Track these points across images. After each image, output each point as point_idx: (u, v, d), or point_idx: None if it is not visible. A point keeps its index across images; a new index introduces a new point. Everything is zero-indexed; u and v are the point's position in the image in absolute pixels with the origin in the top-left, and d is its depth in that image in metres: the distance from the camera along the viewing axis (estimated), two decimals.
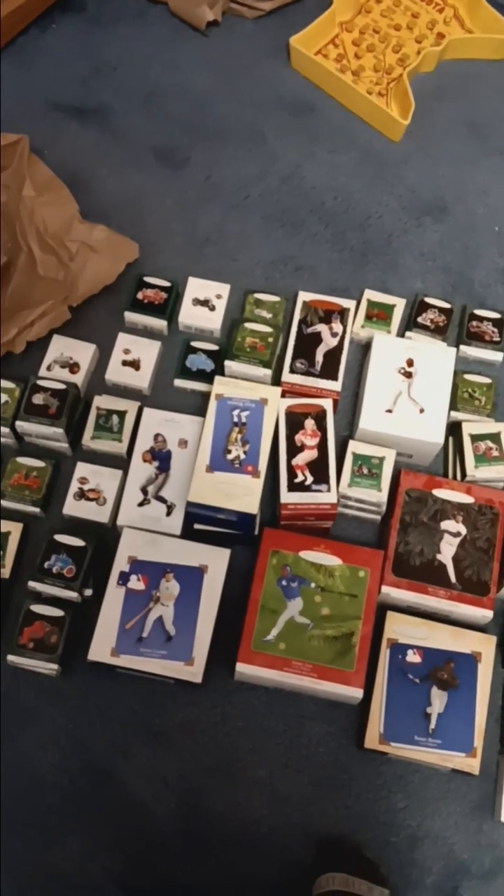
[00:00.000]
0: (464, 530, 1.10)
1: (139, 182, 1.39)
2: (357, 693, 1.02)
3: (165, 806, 1.04)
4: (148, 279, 1.26)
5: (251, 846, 1.03)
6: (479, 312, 1.27)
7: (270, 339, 1.19)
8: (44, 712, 1.07)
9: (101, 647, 1.03)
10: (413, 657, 1.06)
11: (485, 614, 1.07)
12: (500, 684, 1.09)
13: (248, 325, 1.20)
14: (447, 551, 1.09)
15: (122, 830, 1.03)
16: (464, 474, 1.15)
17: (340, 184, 1.41)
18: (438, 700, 1.04)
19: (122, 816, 1.03)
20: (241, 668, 1.02)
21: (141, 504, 1.11)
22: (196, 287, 1.27)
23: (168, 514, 1.11)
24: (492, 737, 1.06)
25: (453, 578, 1.08)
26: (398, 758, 1.04)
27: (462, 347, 1.25)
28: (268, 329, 1.20)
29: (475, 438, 1.15)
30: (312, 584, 1.06)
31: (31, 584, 1.07)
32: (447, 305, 1.27)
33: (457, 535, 1.10)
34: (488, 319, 1.26)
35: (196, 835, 1.03)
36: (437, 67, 1.50)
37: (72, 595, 1.07)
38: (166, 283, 1.26)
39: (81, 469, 1.15)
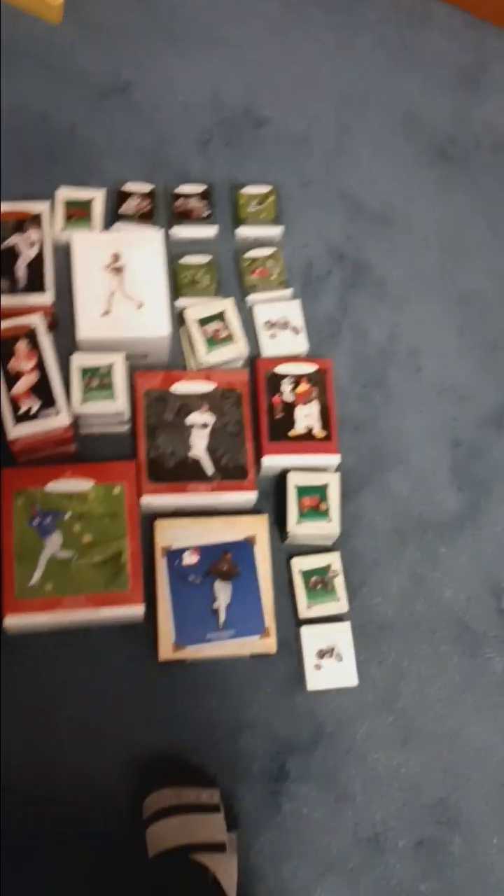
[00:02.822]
0: (211, 419, 1.06)
1: None
2: (138, 610, 0.98)
3: None
4: None
5: (73, 793, 0.97)
6: (183, 189, 1.20)
7: None
8: None
9: None
10: (190, 558, 1.03)
11: (248, 497, 1.05)
12: (283, 560, 1.08)
13: None
14: (199, 444, 1.05)
15: None
16: (199, 362, 1.10)
17: (7, 85, 1.27)
18: (223, 592, 1.02)
19: None
20: (9, 620, 0.95)
21: None
22: None
23: None
24: (286, 613, 1.06)
25: (210, 470, 1.04)
26: (197, 660, 1.01)
27: (173, 229, 1.18)
28: None
29: (202, 322, 1.10)
30: (67, 515, 0.99)
31: None
32: (148, 188, 1.19)
33: (205, 426, 1.06)
34: (194, 195, 1.20)
35: (16, 791, 0.96)
36: None
37: None
38: None
39: None
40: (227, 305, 1.11)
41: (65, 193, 1.18)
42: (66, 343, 1.10)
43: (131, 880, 0.94)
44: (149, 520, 1.04)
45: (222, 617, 1.01)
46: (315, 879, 0.99)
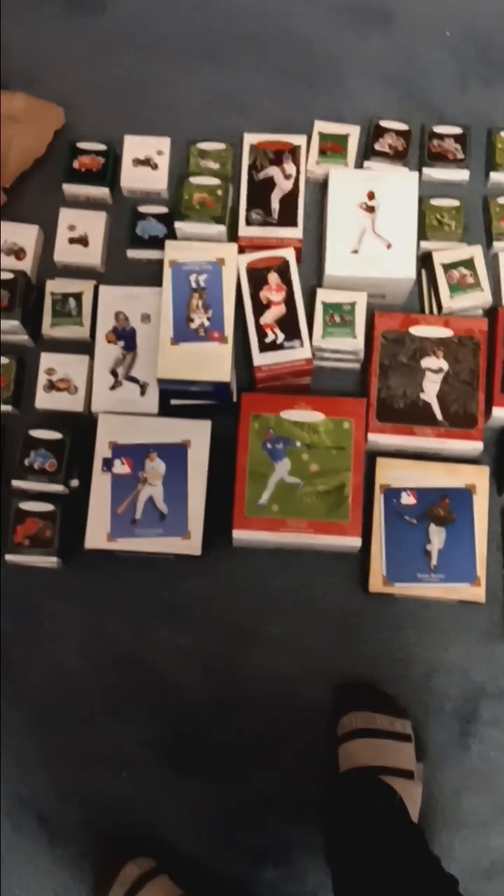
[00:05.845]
0: (445, 365, 1.06)
1: (52, 36, 1.26)
2: (355, 542, 1.02)
3: (188, 674, 1.06)
4: (81, 145, 1.17)
5: (275, 700, 1.06)
6: (440, 129, 1.18)
7: (220, 192, 1.12)
8: (53, 605, 1.08)
9: (97, 534, 1.03)
10: (407, 499, 1.06)
11: (475, 446, 1.05)
12: (499, 512, 1.08)
13: (194, 180, 1.12)
14: (431, 389, 1.06)
15: (149, 703, 1.06)
16: (440, 307, 1.10)
17: (270, 3, 1.28)
18: (437, 536, 1.04)
19: (148, 690, 1.06)
20: (237, 534, 1.02)
21: (113, 387, 1.08)
22: (134, 145, 1.18)
23: (142, 393, 1.08)
24: (496, 565, 1.07)
25: (440, 415, 1.06)
26: (404, 597, 1.05)
27: (425, 170, 1.17)
28: (215, 181, 1.12)
29: (448, 267, 1.10)
30: (298, 443, 1.04)
31: (15, 482, 1.05)
32: (404, 127, 1.18)
33: (438, 371, 1.06)
34: (450, 136, 1.18)
35: (221, 697, 1.06)
36: None
37: (58, 488, 1.05)
38: (102, 147, 1.17)
39: (47, 360, 1.10)
40: (476, 252, 1.10)
41: (321, 127, 1.19)
42: (306, 277, 1.13)
43: (322, 790, 1.01)
44: (370, 457, 1.08)
45: (434, 560, 1.04)
46: (494, 819, 1.02)
